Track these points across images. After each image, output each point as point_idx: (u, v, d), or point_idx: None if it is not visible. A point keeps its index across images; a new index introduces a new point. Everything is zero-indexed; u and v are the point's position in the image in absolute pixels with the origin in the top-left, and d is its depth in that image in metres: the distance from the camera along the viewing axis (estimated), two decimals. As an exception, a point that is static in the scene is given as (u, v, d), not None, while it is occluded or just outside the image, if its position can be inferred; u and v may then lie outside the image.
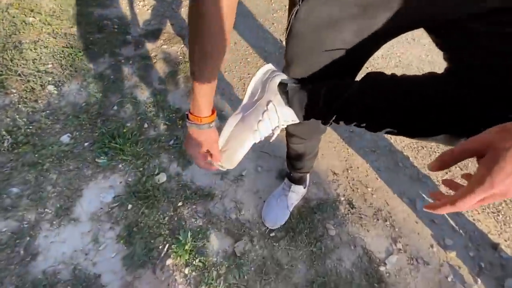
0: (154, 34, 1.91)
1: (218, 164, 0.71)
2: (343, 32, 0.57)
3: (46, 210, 1.17)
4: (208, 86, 0.58)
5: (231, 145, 0.68)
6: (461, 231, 1.27)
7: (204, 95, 0.60)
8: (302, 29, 0.60)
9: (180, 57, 1.81)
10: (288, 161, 1.13)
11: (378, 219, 1.27)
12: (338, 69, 0.65)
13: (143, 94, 1.60)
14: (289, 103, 0.68)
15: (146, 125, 1.47)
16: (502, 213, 1.32)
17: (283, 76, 0.71)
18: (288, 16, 0.62)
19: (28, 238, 1.09)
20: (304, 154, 1.02)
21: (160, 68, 1.74)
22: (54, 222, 1.14)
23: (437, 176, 1.42)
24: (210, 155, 0.69)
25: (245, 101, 0.73)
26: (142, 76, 1.69)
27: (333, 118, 0.63)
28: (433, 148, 1.53)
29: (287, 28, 0.63)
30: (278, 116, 0.68)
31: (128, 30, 1.94)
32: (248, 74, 1.77)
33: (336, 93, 0.61)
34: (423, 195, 1.35)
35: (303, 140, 0.93)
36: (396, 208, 1.31)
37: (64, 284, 1.01)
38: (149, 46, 1.86)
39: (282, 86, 0.69)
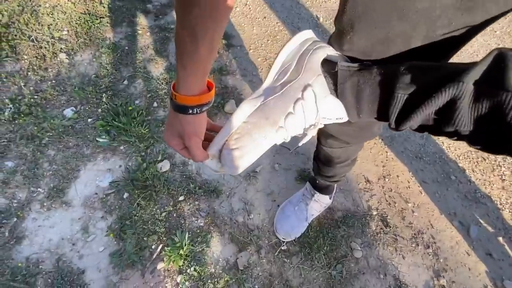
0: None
1: (211, 167, 0.50)
2: None
3: (39, 189, 1.07)
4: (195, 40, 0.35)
5: (240, 142, 0.45)
6: (526, 271, 0.99)
7: (185, 56, 0.37)
8: None
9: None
10: (315, 164, 0.90)
11: (417, 244, 1.03)
12: (427, 47, 0.44)
13: (157, 69, 1.44)
14: (337, 91, 0.45)
15: (155, 104, 1.31)
16: None
17: (330, 50, 0.48)
18: None
19: (15, 219, 1.00)
20: (339, 160, 0.78)
21: (179, 41, 1.56)
22: (45, 204, 1.04)
23: (501, 198, 1.13)
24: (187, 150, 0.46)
25: (268, 80, 0.49)
26: (159, 50, 1.53)
27: (446, 128, 0.36)
28: (498, 161, 1.22)
29: None
30: (318, 110, 0.45)
31: (150, -2, 1.79)
32: (276, 54, 1.53)
33: (463, 89, 0.33)
34: (480, 220, 1.08)
35: (344, 145, 0.70)
36: (443, 233, 1.05)
37: (45, 276, 0.91)
38: (171, 17, 1.69)
39: (329, 65, 0.46)
